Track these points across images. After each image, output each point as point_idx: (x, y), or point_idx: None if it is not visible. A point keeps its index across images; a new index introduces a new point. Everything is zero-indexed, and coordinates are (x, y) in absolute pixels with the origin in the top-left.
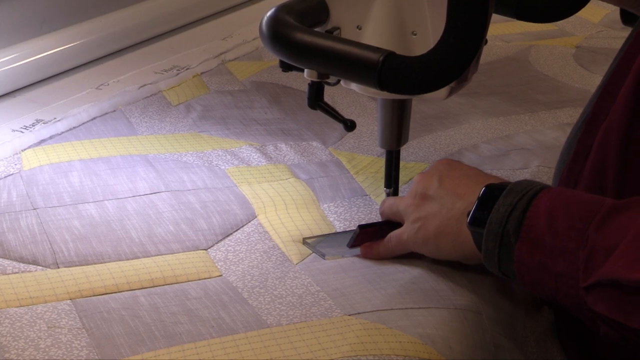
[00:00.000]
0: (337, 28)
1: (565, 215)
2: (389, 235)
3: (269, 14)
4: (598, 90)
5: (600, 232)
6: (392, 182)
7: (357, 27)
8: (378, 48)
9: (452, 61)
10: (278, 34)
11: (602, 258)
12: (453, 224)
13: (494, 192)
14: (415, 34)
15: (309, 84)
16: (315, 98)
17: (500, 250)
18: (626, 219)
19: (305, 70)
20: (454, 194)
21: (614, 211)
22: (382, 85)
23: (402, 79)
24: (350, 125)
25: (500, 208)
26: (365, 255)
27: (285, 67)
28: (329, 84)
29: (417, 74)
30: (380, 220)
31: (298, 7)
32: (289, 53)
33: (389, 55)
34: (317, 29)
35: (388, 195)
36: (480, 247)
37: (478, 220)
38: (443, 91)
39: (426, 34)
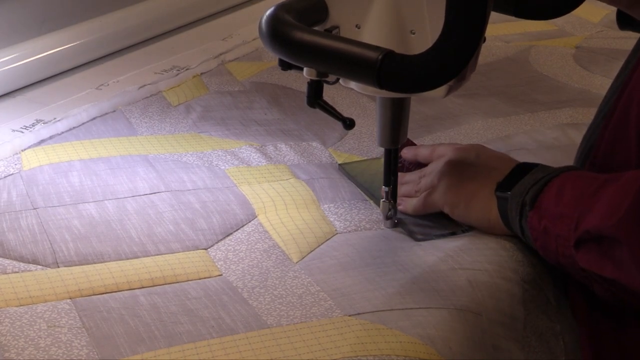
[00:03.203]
0: (336, 27)
1: (571, 187)
2: (423, 195)
3: (268, 12)
4: (614, 91)
5: (592, 198)
6: (390, 180)
7: (356, 26)
8: (377, 47)
9: (450, 60)
10: (277, 33)
11: (588, 217)
12: (486, 190)
13: (525, 168)
14: (414, 33)
15: (308, 82)
16: (315, 97)
17: (520, 219)
18: (614, 188)
19: (305, 69)
20: (490, 166)
21: (608, 181)
22: (381, 83)
23: (401, 77)
24: (349, 124)
25: (525, 181)
26: (399, 209)
27: (285, 66)
28: (328, 82)
29: (416, 73)
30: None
31: (297, 6)
32: (288, 52)
33: (388, 54)
34: (316, 28)
35: (387, 193)
36: (503, 216)
37: (505, 188)
38: (442, 90)
39: (425, 32)
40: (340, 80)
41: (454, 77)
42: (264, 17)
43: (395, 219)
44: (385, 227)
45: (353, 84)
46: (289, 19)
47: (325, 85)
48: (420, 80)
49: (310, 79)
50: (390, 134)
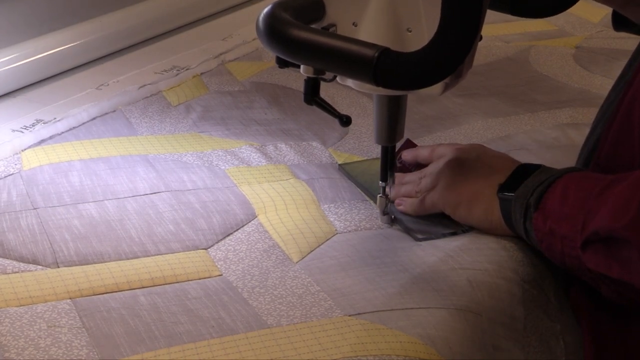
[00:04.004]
0: (333, 25)
1: (576, 188)
2: (423, 195)
3: (265, 10)
4: (617, 92)
5: (598, 198)
6: (387, 176)
7: (353, 24)
8: (373, 44)
9: (446, 57)
10: (274, 31)
11: (596, 217)
12: (488, 192)
13: (527, 169)
14: (411, 31)
15: (305, 79)
16: (312, 94)
17: (525, 220)
18: (621, 188)
19: (301, 66)
20: (491, 167)
21: (614, 182)
22: (377, 81)
23: (397, 74)
24: (345, 121)
25: (529, 183)
26: (400, 209)
27: (282, 63)
28: (325, 80)
29: (412, 70)
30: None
31: (294, 4)
32: (286, 49)
33: (384, 51)
34: (313, 26)
35: (383, 188)
36: (506, 217)
37: (508, 189)
38: (438, 87)
39: (421, 30)
40: (338, 78)
41: (449, 74)
42: (261, 15)
43: (392, 215)
44: (382, 222)
45: (350, 82)
46: (286, 17)
47: (325, 85)
48: (416, 78)
49: (307, 77)
50: (387, 131)
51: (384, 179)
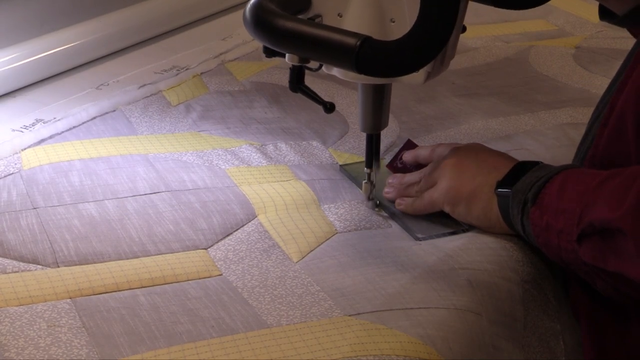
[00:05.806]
0: (319, 16)
1: (573, 184)
2: (423, 194)
3: (252, 1)
4: (612, 92)
5: (594, 192)
6: (372, 163)
7: (338, 14)
8: (355, 33)
9: (425, 45)
10: (260, 21)
11: (592, 210)
12: (487, 190)
13: (525, 167)
14: (394, 21)
15: (290, 68)
16: (297, 82)
17: (522, 216)
18: (617, 181)
19: (287, 55)
20: (490, 165)
21: (610, 177)
22: (359, 68)
23: (378, 62)
24: (329, 108)
25: (526, 179)
26: (400, 208)
27: (269, 52)
28: (310, 69)
29: (392, 57)
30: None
31: None
32: (271, 39)
33: (366, 40)
34: (299, 17)
35: (369, 175)
36: (504, 214)
37: (506, 186)
38: (421, 76)
39: (404, 21)
40: (324, 67)
41: (429, 61)
42: (249, 6)
43: (377, 201)
44: (367, 207)
45: (335, 71)
46: (271, 7)
47: (325, 85)
48: (396, 65)
49: (292, 65)
50: (372, 119)
51: (368, 165)
